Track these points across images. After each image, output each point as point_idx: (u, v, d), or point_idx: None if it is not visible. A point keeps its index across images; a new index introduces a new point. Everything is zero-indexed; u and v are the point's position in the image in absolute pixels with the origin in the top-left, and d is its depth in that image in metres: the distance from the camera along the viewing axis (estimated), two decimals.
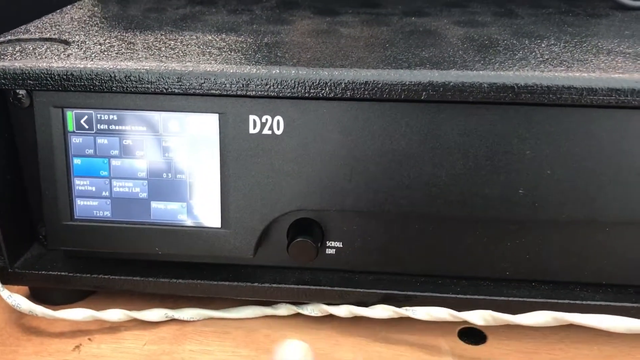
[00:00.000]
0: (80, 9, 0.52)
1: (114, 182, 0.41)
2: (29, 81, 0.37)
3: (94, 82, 0.37)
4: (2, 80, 0.37)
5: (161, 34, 0.43)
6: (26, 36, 0.43)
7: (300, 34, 0.43)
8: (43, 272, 0.43)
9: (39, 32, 0.44)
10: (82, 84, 0.37)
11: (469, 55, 0.38)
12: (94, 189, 0.41)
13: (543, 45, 0.40)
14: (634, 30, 0.44)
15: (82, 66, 0.37)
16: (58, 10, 0.50)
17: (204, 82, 0.36)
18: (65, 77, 0.37)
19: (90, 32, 0.44)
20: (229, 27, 0.45)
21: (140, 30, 0.44)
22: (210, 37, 0.43)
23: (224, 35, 0.43)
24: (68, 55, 0.39)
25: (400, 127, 0.37)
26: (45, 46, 0.41)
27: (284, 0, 0.55)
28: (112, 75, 0.37)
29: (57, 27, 0.45)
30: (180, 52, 0.39)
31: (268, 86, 0.36)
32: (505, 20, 0.47)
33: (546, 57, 0.38)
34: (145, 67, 0.37)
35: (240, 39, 0.42)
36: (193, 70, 0.36)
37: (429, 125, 0.37)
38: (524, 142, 0.37)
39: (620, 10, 0.51)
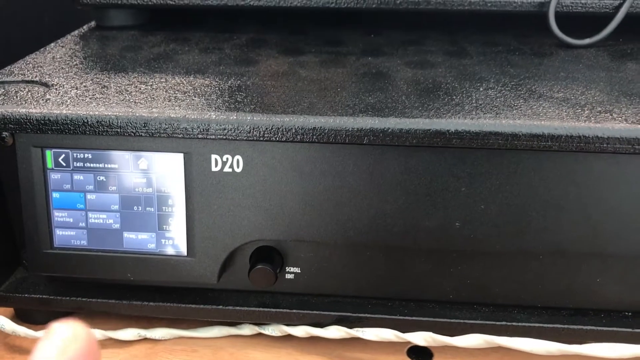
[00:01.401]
0: (62, 47, 0.55)
1: (90, 214, 0.44)
2: (10, 125, 0.41)
3: (69, 126, 0.41)
4: None
5: (133, 77, 0.47)
6: (9, 78, 0.47)
7: (261, 77, 0.47)
8: (26, 294, 0.47)
9: (21, 74, 0.48)
10: (58, 127, 0.41)
11: (410, 100, 0.42)
12: (71, 220, 0.44)
13: (481, 90, 0.44)
14: (569, 71, 0.48)
15: (57, 112, 0.41)
16: (42, 49, 0.54)
17: (168, 127, 0.40)
18: (42, 121, 0.41)
19: (69, 73, 0.48)
20: (197, 68, 0.49)
21: (115, 72, 0.48)
22: (178, 80, 0.46)
23: (191, 78, 0.47)
24: (46, 101, 0.42)
25: (347, 166, 0.41)
26: (26, 89, 0.45)
27: (253, 38, 0.58)
28: (85, 121, 0.41)
29: (39, 68, 0.49)
30: (149, 96, 0.43)
31: (226, 131, 0.40)
32: (454, 60, 0.51)
33: (480, 102, 0.42)
34: (115, 114, 0.40)
35: (205, 82, 0.46)
36: (158, 117, 0.40)
37: (373, 164, 0.41)
38: (459, 180, 0.41)
39: (564, 49, 0.54)
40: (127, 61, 0.51)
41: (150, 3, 0.58)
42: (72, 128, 0.41)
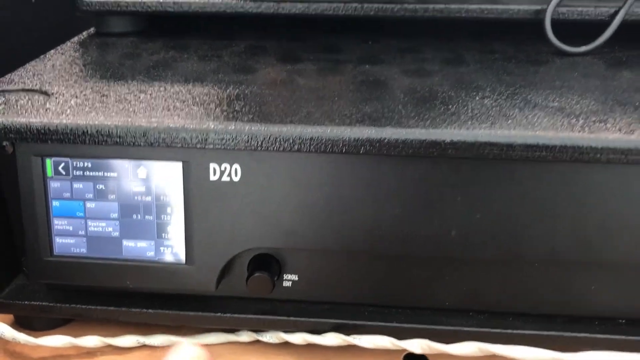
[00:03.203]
0: (62, 54, 0.56)
1: (89, 222, 0.45)
2: (10, 134, 0.42)
3: (69, 135, 0.41)
4: None
5: (133, 85, 0.47)
6: (10, 87, 0.47)
7: (260, 85, 0.47)
8: (26, 302, 0.48)
9: (22, 83, 0.48)
10: (58, 137, 0.41)
11: (407, 110, 0.42)
12: (71, 228, 0.45)
13: (477, 99, 0.44)
14: (565, 80, 0.48)
15: (57, 122, 0.41)
16: (42, 57, 0.55)
17: (167, 137, 0.41)
18: (42, 131, 0.41)
19: (69, 82, 0.48)
20: (196, 76, 0.49)
21: (114, 80, 0.49)
22: (177, 89, 0.47)
23: (190, 86, 0.47)
24: (46, 110, 0.43)
25: (345, 175, 0.42)
26: (27, 98, 0.45)
27: (252, 45, 0.59)
28: (85, 130, 0.41)
29: (39, 76, 0.49)
30: (148, 106, 0.43)
31: (224, 140, 0.40)
32: (451, 68, 0.51)
33: (476, 112, 0.42)
34: (114, 124, 0.41)
35: (204, 91, 0.46)
36: (157, 127, 0.41)
37: (370, 174, 0.41)
38: (455, 190, 0.41)
39: (560, 56, 0.55)
40: (126, 69, 0.51)
41: (148, 10, 0.59)
42: (71, 137, 0.41)
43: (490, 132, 0.39)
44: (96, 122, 0.41)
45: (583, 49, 0.55)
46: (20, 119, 0.41)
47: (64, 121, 0.41)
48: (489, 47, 0.58)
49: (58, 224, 0.45)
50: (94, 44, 0.59)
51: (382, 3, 0.57)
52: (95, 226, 0.45)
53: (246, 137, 0.40)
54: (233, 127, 0.40)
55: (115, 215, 0.44)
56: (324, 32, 0.63)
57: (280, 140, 0.40)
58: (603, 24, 0.55)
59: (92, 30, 0.63)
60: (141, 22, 0.63)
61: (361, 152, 0.40)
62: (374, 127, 0.40)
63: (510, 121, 0.41)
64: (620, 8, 0.55)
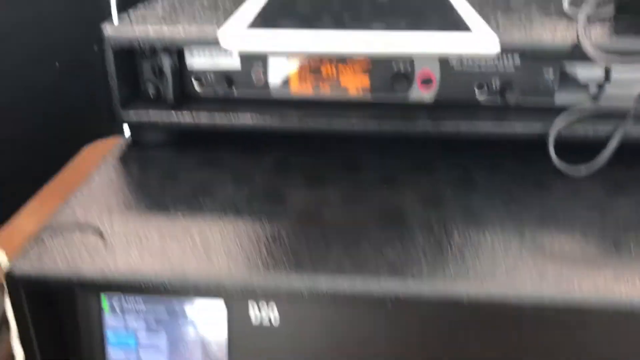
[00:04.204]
0: (107, 175, 0.61)
1: (141, 352, 0.50)
2: (72, 283, 0.47)
3: (123, 287, 0.47)
4: (53, 284, 0.47)
5: (178, 221, 0.52)
6: (65, 224, 0.52)
7: (290, 219, 0.53)
8: None
9: (73, 215, 0.53)
10: (116, 286, 0.47)
11: (428, 258, 0.47)
12: (124, 357, 0.50)
13: (487, 239, 0.50)
14: (560, 212, 0.54)
15: (114, 273, 0.46)
16: (87, 180, 0.59)
17: (211, 287, 0.46)
18: (99, 282, 0.47)
19: (115, 214, 0.53)
20: (230, 207, 0.55)
21: (157, 214, 0.53)
22: (217, 226, 0.52)
23: (227, 222, 0.52)
24: (102, 257, 0.48)
25: (373, 322, 0.47)
26: (81, 241, 0.50)
27: (278, 158, 0.64)
28: (137, 284, 0.46)
29: (88, 210, 0.54)
30: (197, 252, 0.48)
31: (265, 290, 0.46)
32: (462, 194, 0.56)
33: (489, 263, 0.47)
34: (164, 278, 0.46)
35: (240, 231, 0.51)
36: (207, 280, 0.46)
37: (395, 322, 0.47)
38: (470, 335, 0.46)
39: (563, 178, 0.59)
40: (167, 198, 0.56)
41: (181, 126, 0.64)
42: (125, 288, 0.47)
43: (505, 291, 0.44)
44: (147, 277, 0.46)
45: (584, 172, 0.59)
46: (81, 271, 0.47)
47: (117, 276, 0.46)
48: (497, 165, 0.62)
49: (112, 353, 0.50)
50: (132, 158, 0.64)
51: (398, 120, 0.62)
52: (146, 357, 0.50)
53: (285, 288, 0.46)
54: (272, 279, 0.46)
55: (164, 347, 0.50)
56: (345, 145, 0.67)
57: (316, 293, 0.45)
58: (603, 144, 0.60)
59: (129, 139, 0.68)
60: (175, 134, 0.68)
61: (388, 307, 0.45)
62: (398, 280, 0.45)
63: (519, 278, 0.45)
64: (615, 130, 0.59)
